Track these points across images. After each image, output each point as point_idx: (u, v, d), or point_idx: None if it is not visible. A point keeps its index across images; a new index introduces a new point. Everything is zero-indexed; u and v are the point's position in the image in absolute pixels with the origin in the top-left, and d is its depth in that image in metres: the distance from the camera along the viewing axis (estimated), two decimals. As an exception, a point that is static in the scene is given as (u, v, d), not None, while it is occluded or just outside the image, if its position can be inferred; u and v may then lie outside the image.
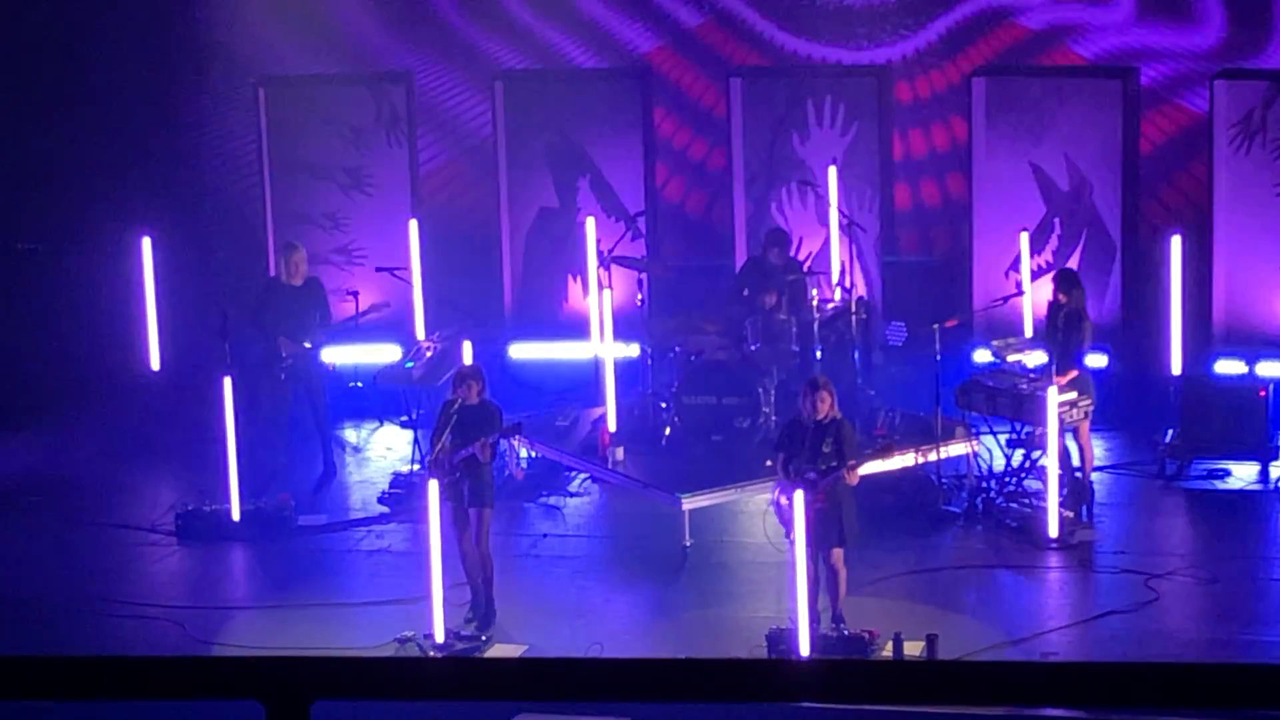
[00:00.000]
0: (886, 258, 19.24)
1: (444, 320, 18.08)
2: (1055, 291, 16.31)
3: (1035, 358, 16.67)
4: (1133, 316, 18.46)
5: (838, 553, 13.74)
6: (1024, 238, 18.23)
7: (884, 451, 14.53)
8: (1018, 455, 16.26)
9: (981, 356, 18.08)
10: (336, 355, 18.91)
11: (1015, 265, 18.38)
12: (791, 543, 13.69)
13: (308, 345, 17.07)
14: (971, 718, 10.54)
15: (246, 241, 19.85)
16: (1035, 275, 18.14)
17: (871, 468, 14.51)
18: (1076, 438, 16.06)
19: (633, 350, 17.92)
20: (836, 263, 18.35)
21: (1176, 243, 17.75)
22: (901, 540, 15.64)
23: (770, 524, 14.35)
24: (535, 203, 19.48)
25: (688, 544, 15.57)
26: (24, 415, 18.79)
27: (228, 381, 16.10)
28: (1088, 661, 13.49)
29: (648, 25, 20.81)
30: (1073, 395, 15.80)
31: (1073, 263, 18.28)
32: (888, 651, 13.36)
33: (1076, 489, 15.87)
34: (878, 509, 15.71)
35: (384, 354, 18.58)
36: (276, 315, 17.11)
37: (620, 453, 16.53)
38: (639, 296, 17.84)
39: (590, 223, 18.33)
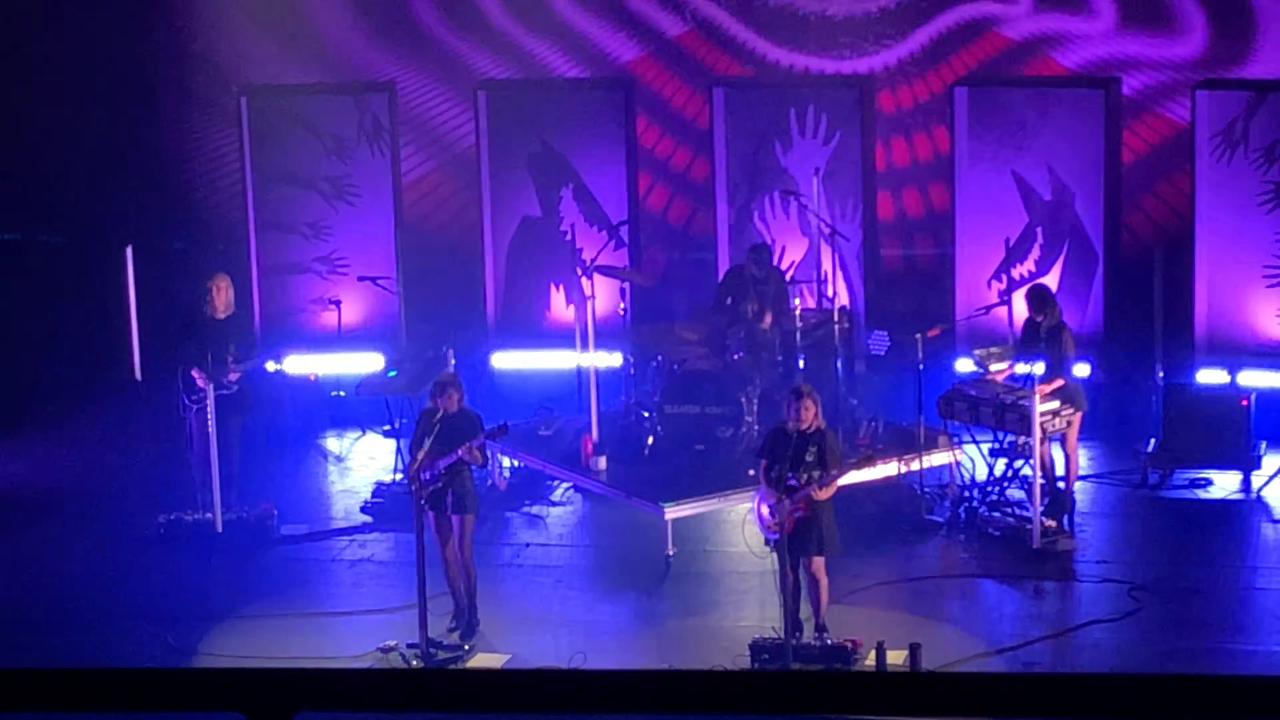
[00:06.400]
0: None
1: (426, 329, 18.06)
2: (1030, 310, 16.29)
3: (1018, 367, 16.67)
4: (1115, 326, 18.47)
5: (818, 561, 13.73)
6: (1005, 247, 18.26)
7: (866, 461, 14.50)
8: (1000, 464, 16.28)
9: (964, 366, 18.10)
10: (319, 365, 18.88)
11: (998, 274, 18.40)
12: (772, 551, 13.69)
13: (233, 378, 16.37)
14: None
15: (229, 251, 19.81)
16: (1017, 284, 18.14)
17: (854, 477, 14.52)
18: (1063, 447, 16.05)
19: (615, 360, 17.91)
20: (819, 272, 18.35)
21: (1159, 252, 17.76)
22: (884, 550, 15.64)
23: (750, 533, 14.35)
24: (518, 212, 19.46)
25: (670, 553, 15.57)
26: (4, 424, 18.74)
27: (211, 390, 16.08)
28: (1071, 673, 13.49)
29: (630, 35, 20.81)
30: (1055, 405, 15.81)
31: (1055, 272, 18.30)
32: (870, 661, 13.36)
33: (1058, 498, 15.88)
34: (861, 518, 15.72)
35: (366, 363, 18.56)
36: (198, 348, 16.28)
37: (603, 462, 16.52)
38: (621, 306, 17.83)
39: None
